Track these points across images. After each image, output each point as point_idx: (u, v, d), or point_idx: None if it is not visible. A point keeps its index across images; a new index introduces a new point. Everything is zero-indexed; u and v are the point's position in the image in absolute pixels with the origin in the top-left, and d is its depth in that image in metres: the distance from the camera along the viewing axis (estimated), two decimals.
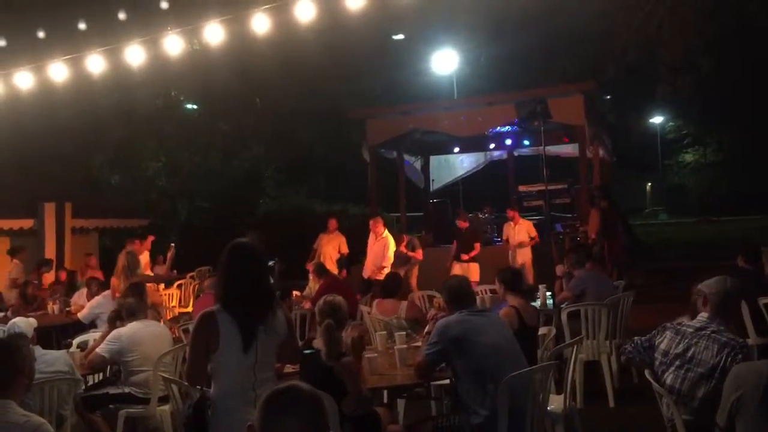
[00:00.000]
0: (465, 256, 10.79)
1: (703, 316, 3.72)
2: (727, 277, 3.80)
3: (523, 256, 11.03)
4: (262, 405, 1.92)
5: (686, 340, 3.67)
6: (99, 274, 10.44)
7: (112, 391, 5.43)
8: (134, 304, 5.70)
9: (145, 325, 5.53)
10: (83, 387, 5.16)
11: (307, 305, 7.52)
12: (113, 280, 7.78)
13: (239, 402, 3.24)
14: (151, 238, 11.82)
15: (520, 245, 11.02)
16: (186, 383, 3.76)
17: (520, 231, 11.12)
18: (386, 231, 10.76)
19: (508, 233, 11.34)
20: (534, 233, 11.11)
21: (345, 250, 11.66)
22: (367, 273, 10.71)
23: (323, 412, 1.91)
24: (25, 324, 4.79)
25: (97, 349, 5.43)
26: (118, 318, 5.88)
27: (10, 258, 10.87)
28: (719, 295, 3.68)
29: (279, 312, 3.44)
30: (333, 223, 11.86)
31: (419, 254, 10.97)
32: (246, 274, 3.38)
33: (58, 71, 6.91)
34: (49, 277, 11.25)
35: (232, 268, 3.39)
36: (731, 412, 2.93)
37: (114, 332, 5.51)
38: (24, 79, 7.05)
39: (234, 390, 3.28)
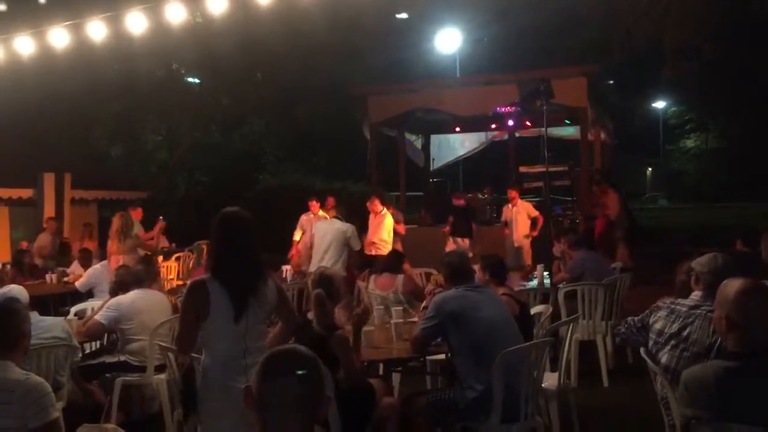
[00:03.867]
0: (465, 242, 10.75)
1: (696, 294, 3.70)
2: (717, 254, 3.77)
3: (521, 239, 11.00)
4: (260, 366, 1.90)
5: (681, 319, 3.65)
6: (92, 245, 10.45)
7: (109, 360, 5.46)
8: (141, 272, 5.71)
9: (145, 294, 5.55)
10: (80, 354, 5.18)
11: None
12: (109, 244, 7.82)
13: (229, 370, 3.25)
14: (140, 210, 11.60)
15: (526, 236, 10.93)
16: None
17: (520, 212, 11.06)
18: (384, 209, 10.61)
19: (507, 215, 11.29)
20: (534, 213, 10.98)
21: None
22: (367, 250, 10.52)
23: (321, 375, 1.90)
24: (18, 291, 4.79)
25: (96, 316, 5.46)
26: (119, 289, 5.90)
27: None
28: (711, 273, 3.64)
29: (270, 281, 3.45)
30: (330, 201, 11.77)
31: (401, 228, 10.81)
32: (236, 243, 3.37)
33: (59, 37, 6.82)
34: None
35: (221, 237, 3.39)
36: (692, 426, 2.76)
37: (114, 299, 5.53)
38: (24, 45, 6.97)
39: (224, 358, 3.29)
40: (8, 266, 9.96)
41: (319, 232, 8.01)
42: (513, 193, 11.25)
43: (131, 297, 5.50)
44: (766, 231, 6.33)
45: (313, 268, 7.45)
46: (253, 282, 3.34)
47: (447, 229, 11.10)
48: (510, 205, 11.21)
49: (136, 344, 5.38)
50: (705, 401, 2.73)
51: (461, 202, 11.29)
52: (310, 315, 4.18)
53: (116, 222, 7.94)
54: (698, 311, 3.61)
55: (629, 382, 6.06)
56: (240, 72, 19.62)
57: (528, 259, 10.60)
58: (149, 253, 8.58)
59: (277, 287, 3.50)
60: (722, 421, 2.68)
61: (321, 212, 10.78)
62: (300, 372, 1.84)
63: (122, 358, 5.40)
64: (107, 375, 5.36)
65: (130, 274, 5.74)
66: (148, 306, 5.47)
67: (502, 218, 11.58)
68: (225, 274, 3.31)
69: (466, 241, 10.76)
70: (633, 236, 11.89)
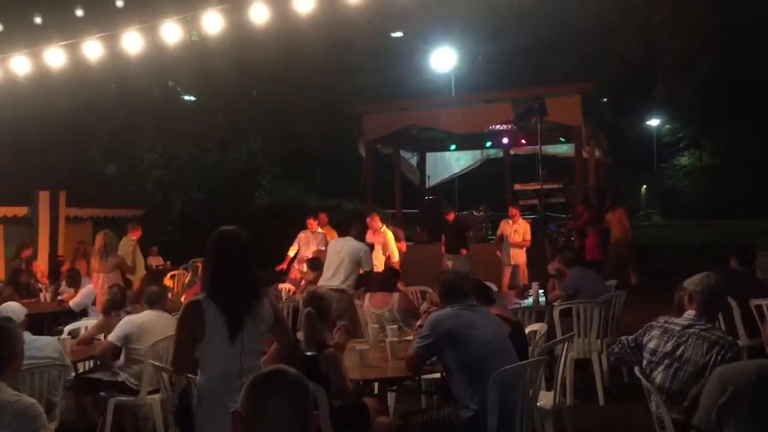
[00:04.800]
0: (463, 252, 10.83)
1: (689, 313, 3.71)
2: (710, 273, 3.79)
3: (518, 257, 10.97)
4: (246, 388, 1.89)
5: (674, 339, 3.66)
6: (85, 264, 10.41)
7: (106, 377, 5.37)
8: (156, 293, 5.65)
9: (156, 317, 5.47)
10: (73, 374, 5.14)
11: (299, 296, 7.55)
12: (92, 261, 7.81)
13: (225, 390, 3.21)
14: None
15: (513, 246, 10.98)
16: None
17: (517, 231, 11.05)
18: (384, 226, 10.65)
19: (504, 230, 11.28)
20: (528, 237, 10.97)
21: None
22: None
23: (309, 396, 1.89)
24: (17, 308, 4.76)
25: (109, 337, 5.37)
26: (112, 308, 5.86)
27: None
28: (704, 293, 3.67)
29: (265, 300, 3.44)
30: (323, 217, 11.75)
31: (402, 245, 10.88)
32: (232, 262, 3.36)
33: (55, 57, 6.85)
34: (38, 265, 11.25)
35: (217, 256, 3.37)
36: (720, 416, 2.81)
37: (126, 318, 5.48)
38: (20, 64, 7.00)
39: (220, 378, 3.27)
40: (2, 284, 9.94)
41: (334, 247, 7.84)
42: (514, 211, 11.26)
43: (143, 317, 5.43)
44: (761, 248, 6.35)
45: (322, 282, 7.42)
46: (248, 301, 3.33)
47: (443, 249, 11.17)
48: (510, 222, 11.23)
49: (139, 367, 5.26)
50: (742, 387, 2.75)
51: (451, 216, 11.42)
52: (300, 335, 4.18)
53: (99, 240, 7.95)
54: (692, 330, 3.62)
55: (625, 400, 6.03)
56: (236, 90, 19.68)
57: (524, 279, 10.58)
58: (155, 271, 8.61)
59: (272, 307, 3.49)
60: (754, 409, 2.71)
61: (319, 229, 10.85)
62: (288, 392, 1.83)
63: (121, 378, 5.31)
64: (102, 393, 5.31)
65: (146, 295, 5.67)
66: (157, 330, 5.30)
67: (498, 232, 11.55)
68: (220, 293, 3.30)
69: (464, 251, 10.83)
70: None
